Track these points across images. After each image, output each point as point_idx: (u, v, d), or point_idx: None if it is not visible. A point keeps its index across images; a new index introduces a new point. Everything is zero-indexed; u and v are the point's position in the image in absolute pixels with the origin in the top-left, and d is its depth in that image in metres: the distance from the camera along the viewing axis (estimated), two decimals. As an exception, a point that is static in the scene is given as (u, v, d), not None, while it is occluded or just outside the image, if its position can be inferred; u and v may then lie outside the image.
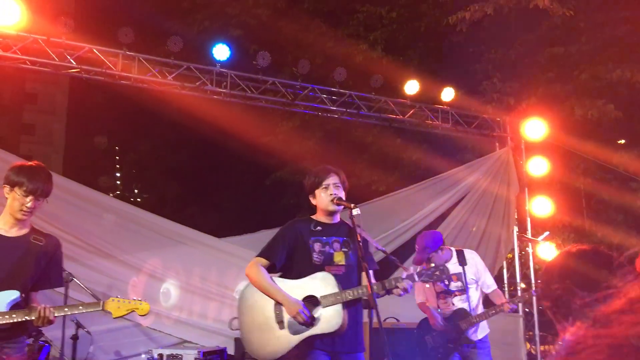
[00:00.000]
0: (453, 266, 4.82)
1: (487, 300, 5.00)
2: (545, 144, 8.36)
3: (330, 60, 9.44)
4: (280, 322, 3.27)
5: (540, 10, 8.47)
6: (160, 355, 5.69)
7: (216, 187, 17.08)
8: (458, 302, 4.81)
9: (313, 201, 3.56)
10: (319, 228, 3.49)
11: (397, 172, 10.82)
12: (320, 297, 3.27)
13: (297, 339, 3.23)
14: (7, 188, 3.08)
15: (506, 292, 8.17)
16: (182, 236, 7.09)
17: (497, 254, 8.19)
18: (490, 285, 4.96)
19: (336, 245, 3.45)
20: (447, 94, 7.98)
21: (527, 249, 8.37)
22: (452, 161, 8.90)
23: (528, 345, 8.05)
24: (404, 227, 7.95)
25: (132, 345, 6.54)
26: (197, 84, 7.04)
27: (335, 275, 3.32)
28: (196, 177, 17.71)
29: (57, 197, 4.44)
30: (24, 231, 3.15)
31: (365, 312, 3.60)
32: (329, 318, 3.25)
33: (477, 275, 4.89)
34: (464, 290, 4.80)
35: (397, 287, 3.33)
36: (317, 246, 3.42)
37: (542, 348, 7.97)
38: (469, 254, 4.98)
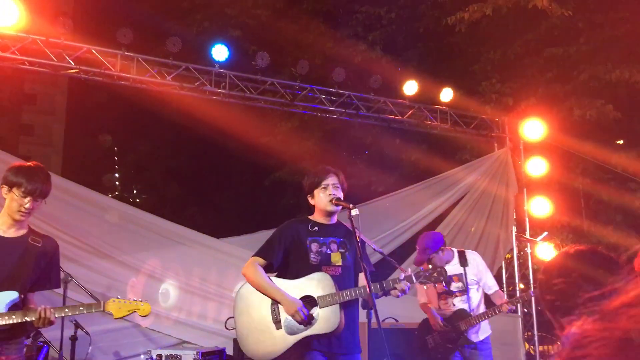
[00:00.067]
0: (454, 267, 4.82)
1: (488, 302, 5.00)
2: (544, 144, 8.36)
3: (329, 61, 9.45)
4: (277, 322, 3.27)
5: (539, 11, 8.46)
6: (159, 356, 5.68)
7: (215, 187, 17.05)
8: (459, 303, 4.81)
9: (312, 201, 3.56)
10: (316, 228, 3.48)
11: (396, 172, 10.81)
12: (318, 297, 3.27)
13: (293, 339, 3.22)
14: (5, 188, 3.07)
15: (505, 293, 8.16)
16: (181, 237, 7.08)
17: (495, 254, 8.19)
18: (492, 286, 4.96)
19: (333, 246, 3.45)
20: (446, 95, 7.99)
21: (525, 249, 8.36)
22: (450, 162, 8.91)
23: (527, 346, 8.05)
24: (403, 227, 7.95)
25: (131, 346, 6.53)
26: (196, 84, 7.03)
27: (332, 276, 3.32)
28: (195, 178, 17.68)
29: (55, 197, 4.44)
30: (22, 232, 3.14)
31: (364, 312, 3.60)
32: (326, 318, 3.24)
33: (478, 276, 4.89)
34: (464, 291, 4.80)
35: (395, 288, 3.33)
36: (314, 246, 3.41)
37: (540, 348, 7.96)
38: (471, 255, 4.98)
